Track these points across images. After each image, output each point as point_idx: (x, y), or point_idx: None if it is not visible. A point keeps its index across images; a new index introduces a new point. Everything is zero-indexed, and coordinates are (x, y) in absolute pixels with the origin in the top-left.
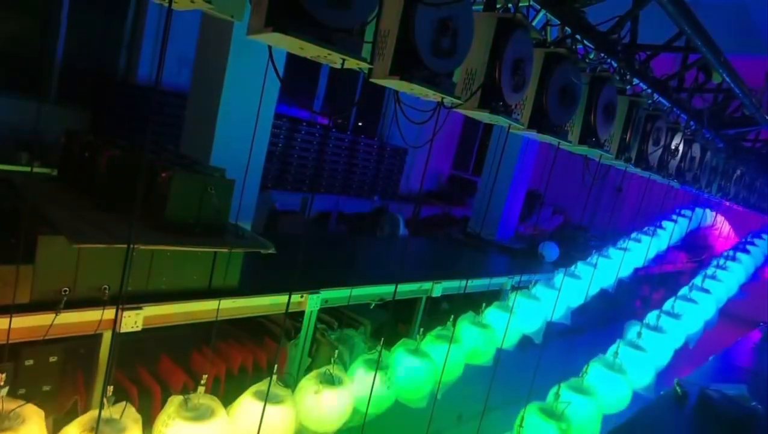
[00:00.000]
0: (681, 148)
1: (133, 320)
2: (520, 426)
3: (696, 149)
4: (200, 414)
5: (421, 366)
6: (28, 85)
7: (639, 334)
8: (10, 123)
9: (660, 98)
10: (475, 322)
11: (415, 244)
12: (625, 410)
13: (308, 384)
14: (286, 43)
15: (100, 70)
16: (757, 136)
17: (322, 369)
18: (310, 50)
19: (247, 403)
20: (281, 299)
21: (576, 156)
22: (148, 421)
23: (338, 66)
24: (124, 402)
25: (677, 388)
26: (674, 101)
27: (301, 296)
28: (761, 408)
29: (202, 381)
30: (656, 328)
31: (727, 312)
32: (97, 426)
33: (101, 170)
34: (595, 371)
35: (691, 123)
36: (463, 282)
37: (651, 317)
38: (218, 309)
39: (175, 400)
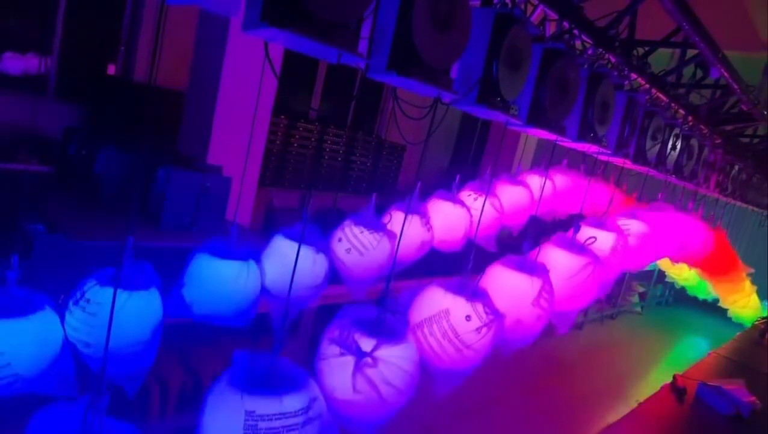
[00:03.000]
0: (679, 143)
1: None
2: None
3: (694, 145)
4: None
5: (457, 213)
6: (25, 81)
7: None
8: (8, 120)
9: (658, 94)
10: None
11: None
12: None
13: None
14: (282, 39)
15: (98, 67)
16: (754, 132)
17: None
18: (306, 46)
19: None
20: None
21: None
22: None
23: (335, 62)
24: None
25: (676, 383)
26: (672, 97)
27: None
28: (760, 403)
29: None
30: None
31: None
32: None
33: (99, 167)
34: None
35: (689, 119)
36: None
37: None
38: None
39: None
